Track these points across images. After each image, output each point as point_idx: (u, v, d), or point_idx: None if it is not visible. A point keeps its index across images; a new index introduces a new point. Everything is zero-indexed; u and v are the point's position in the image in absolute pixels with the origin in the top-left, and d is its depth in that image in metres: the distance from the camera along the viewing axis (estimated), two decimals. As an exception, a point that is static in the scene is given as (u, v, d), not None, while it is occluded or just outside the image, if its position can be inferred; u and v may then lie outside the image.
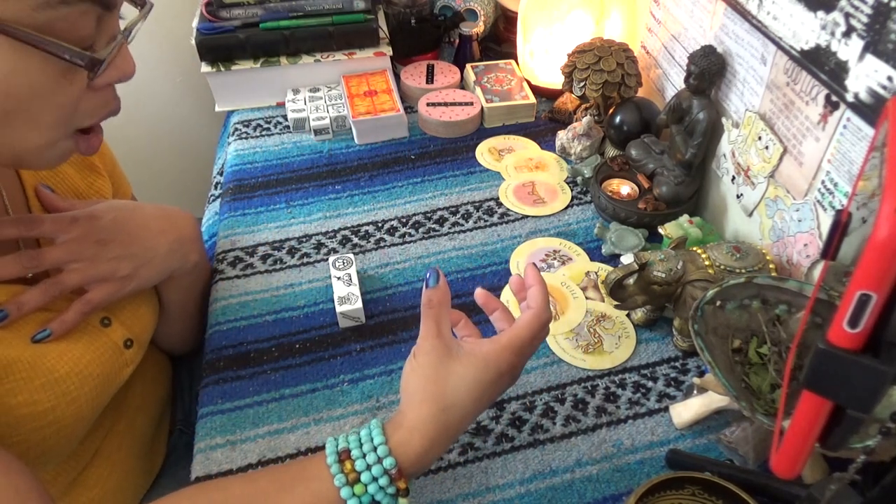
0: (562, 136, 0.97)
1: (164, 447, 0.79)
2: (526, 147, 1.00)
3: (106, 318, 0.63)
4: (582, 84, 0.92)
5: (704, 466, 0.58)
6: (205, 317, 0.77)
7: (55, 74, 0.45)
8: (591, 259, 0.82)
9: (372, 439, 0.48)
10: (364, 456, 0.47)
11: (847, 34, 0.57)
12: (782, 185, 0.70)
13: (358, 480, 0.46)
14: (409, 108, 1.06)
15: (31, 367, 0.54)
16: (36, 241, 0.61)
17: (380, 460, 0.47)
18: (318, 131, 1.01)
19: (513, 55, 1.13)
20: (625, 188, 0.89)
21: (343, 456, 0.48)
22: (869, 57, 0.55)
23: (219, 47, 1.01)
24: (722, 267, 0.67)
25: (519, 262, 0.82)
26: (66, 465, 0.63)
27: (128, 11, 0.50)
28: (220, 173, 1.03)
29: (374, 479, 0.46)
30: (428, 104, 1.03)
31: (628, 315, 0.75)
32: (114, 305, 0.63)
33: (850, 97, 0.58)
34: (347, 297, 0.74)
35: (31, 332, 0.56)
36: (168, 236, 0.67)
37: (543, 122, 1.05)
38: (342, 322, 0.74)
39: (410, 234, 0.86)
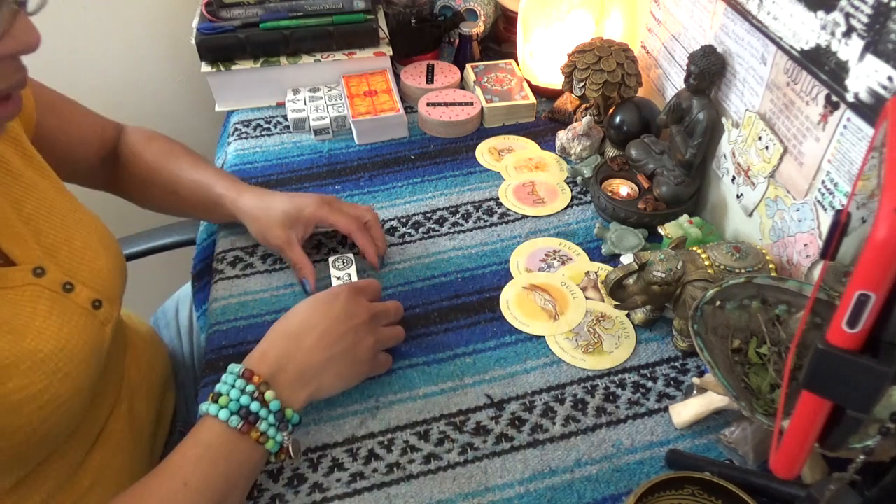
0: (562, 136, 0.97)
1: (164, 447, 0.79)
2: (526, 147, 1.00)
3: (67, 283, 0.61)
4: (582, 84, 0.92)
5: (704, 466, 0.58)
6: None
7: None
8: (591, 259, 0.82)
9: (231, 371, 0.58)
10: (224, 382, 0.57)
11: (847, 34, 0.57)
12: (782, 185, 0.70)
13: (221, 395, 0.56)
14: (409, 108, 1.06)
15: (10, 354, 0.53)
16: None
17: (233, 374, 0.57)
18: (318, 131, 1.01)
19: (513, 55, 1.13)
20: (625, 188, 0.89)
21: (214, 398, 0.56)
22: (869, 57, 0.55)
23: (219, 47, 1.01)
24: (722, 267, 0.67)
25: (519, 262, 0.81)
26: (71, 446, 0.63)
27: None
28: (220, 173, 1.03)
29: (232, 386, 0.56)
30: (428, 104, 1.03)
31: (628, 315, 0.75)
32: (70, 268, 0.62)
33: (850, 97, 0.58)
34: (347, 297, 0.74)
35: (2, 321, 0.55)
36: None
37: (543, 122, 1.05)
38: (342, 322, 0.74)
39: (410, 234, 0.86)
